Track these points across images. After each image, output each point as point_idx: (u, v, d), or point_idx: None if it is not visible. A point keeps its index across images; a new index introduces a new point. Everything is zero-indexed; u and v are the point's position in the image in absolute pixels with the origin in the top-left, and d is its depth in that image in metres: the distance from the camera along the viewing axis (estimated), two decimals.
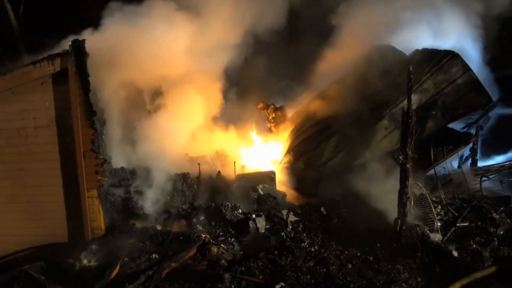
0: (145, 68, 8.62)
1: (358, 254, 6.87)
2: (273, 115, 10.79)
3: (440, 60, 8.39)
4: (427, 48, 8.71)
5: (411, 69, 6.65)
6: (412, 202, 7.14)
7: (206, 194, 8.56)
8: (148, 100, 9.19)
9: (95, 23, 8.54)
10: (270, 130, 10.88)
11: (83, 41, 7.29)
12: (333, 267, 6.55)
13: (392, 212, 7.15)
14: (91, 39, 7.52)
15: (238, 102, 11.04)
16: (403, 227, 6.88)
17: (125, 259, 6.77)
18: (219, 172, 8.99)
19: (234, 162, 9.20)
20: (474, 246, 6.92)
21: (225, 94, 10.59)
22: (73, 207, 7.56)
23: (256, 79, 11.25)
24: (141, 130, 8.93)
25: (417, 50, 8.83)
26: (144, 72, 8.63)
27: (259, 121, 10.90)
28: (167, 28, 8.90)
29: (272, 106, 10.86)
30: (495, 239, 7.00)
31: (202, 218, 7.99)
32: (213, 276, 6.42)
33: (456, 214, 7.68)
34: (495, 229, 7.23)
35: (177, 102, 9.42)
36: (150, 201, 8.34)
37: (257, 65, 11.30)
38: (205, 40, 9.30)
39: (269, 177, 9.04)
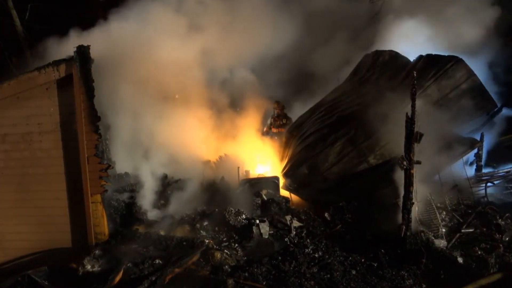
0: (152, 76, 8.72)
1: (362, 260, 6.84)
2: (284, 121, 10.86)
3: (444, 65, 8.40)
4: (431, 54, 8.70)
5: (415, 75, 6.64)
6: (416, 208, 7.11)
7: (210, 200, 8.55)
8: (154, 106, 9.22)
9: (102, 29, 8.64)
10: (273, 133, 10.91)
11: (88, 47, 7.34)
12: (337, 273, 6.51)
13: (396, 218, 7.12)
14: (98, 45, 7.57)
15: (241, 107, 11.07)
16: (408, 233, 6.84)
17: (128, 264, 6.76)
18: (222, 177, 8.99)
19: (238, 167, 9.20)
20: (479, 253, 6.87)
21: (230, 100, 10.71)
22: (77, 212, 7.57)
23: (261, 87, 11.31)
24: (146, 136, 8.99)
25: (421, 56, 8.83)
26: (151, 80, 8.73)
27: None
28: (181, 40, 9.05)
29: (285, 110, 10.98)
30: (501, 245, 6.95)
31: (205, 223, 7.99)
32: (216, 281, 6.40)
33: (461, 220, 7.63)
34: (500, 236, 7.18)
35: (182, 109, 9.49)
36: (153, 207, 8.35)
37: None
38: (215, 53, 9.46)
39: (273, 182, 9.05)
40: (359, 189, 8.19)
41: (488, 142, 9.53)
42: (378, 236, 7.26)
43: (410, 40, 9.67)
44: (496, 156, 9.76)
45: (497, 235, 7.18)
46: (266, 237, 7.65)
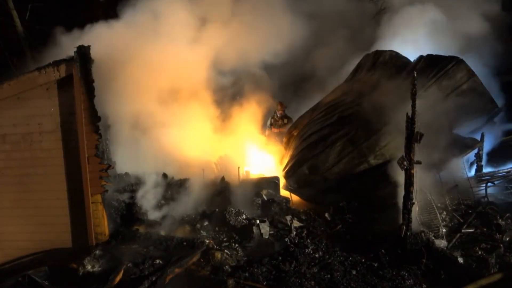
0: (153, 75, 8.72)
1: (363, 260, 6.83)
2: (285, 121, 10.92)
3: (444, 65, 8.39)
4: (432, 54, 8.70)
5: (415, 75, 6.63)
6: (417, 208, 7.11)
7: (210, 200, 8.55)
8: (154, 106, 9.22)
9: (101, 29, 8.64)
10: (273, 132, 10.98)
11: (88, 47, 7.34)
12: (337, 273, 6.51)
13: (396, 218, 7.12)
14: (98, 45, 7.57)
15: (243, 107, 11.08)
16: (408, 233, 6.84)
17: (128, 265, 6.76)
18: (223, 177, 8.99)
19: (238, 167, 9.20)
20: (479, 253, 6.87)
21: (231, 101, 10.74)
22: (77, 212, 7.57)
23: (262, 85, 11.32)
24: (146, 136, 8.98)
25: (421, 56, 8.82)
26: (152, 79, 8.72)
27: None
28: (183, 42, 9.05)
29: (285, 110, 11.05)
30: (501, 245, 6.95)
31: (206, 223, 7.99)
32: (216, 281, 6.41)
33: (461, 220, 7.63)
34: (500, 236, 7.17)
35: (183, 109, 9.48)
36: (154, 207, 8.35)
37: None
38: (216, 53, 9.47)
39: (273, 182, 9.05)
40: (359, 189, 8.19)
41: (489, 142, 9.52)
42: (379, 236, 7.26)
43: (411, 29, 9.72)
44: (497, 156, 9.76)
45: (498, 235, 7.18)
46: (267, 237, 7.64)
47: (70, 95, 7.41)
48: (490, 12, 10.10)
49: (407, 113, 6.73)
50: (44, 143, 7.58)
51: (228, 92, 10.65)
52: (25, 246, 7.65)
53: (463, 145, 8.49)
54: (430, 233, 7.10)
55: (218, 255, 6.98)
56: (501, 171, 9.31)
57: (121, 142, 8.66)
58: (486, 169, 9.48)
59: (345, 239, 7.52)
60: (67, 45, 8.17)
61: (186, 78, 9.38)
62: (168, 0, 9.28)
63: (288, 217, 8.03)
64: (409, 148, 6.70)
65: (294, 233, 7.69)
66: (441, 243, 7.01)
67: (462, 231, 7.35)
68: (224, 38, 9.69)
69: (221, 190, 8.69)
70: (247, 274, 6.56)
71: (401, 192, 6.87)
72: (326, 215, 8.16)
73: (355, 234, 7.61)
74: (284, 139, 10.11)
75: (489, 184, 8.55)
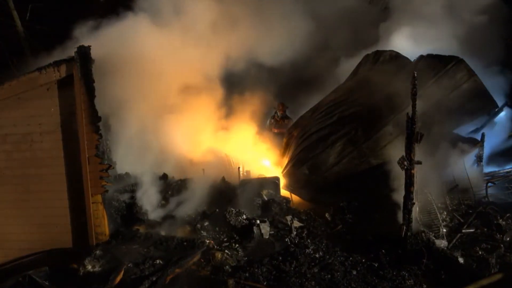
0: (152, 75, 8.71)
1: (363, 260, 6.83)
2: (286, 122, 10.96)
3: (445, 65, 8.38)
4: (432, 54, 8.70)
5: (415, 75, 6.63)
6: (417, 208, 7.10)
7: (210, 200, 8.55)
8: (154, 106, 9.22)
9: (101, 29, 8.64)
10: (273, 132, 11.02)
11: (89, 47, 7.34)
12: (338, 273, 6.51)
13: (397, 218, 7.12)
14: (97, 45, 7.57)
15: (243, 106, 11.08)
16: (408, 233, 6.83)
17: (129, 265, 6.76)
18: (223, 177, 8.99)
19: (239, 167, 9.21)
20: (480, 253, 6.86)
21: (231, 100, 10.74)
22: (78, 212, 7.57)
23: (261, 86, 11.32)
24: (146, 136, 8.98)
25: (421, 56, 8.82)
26: (151, 79, 8.72)
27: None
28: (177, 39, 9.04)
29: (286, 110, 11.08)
30: (501, 245, 6.94)
31: (206, 223, 7.98)
32: (217, 281, 6.41)
33: (462, 220, 7.62)
34: (501, 236, 7.17)
35: (183, 108, 9.49)
36: (154, 207, 8.35)
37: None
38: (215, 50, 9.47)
39: (273, 182, 9.05)
40: (359, 189, 8.19)
41: (489, 142, 9.52)
42: (379, 236, 7.25)
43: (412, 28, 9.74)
44: (497, 156, 9.75)
45: (498, 235, 7.17)
46: (267, 237, 7.64)
47: (70, 95, 7.41)
48: (491, 11, 10.10)
49: (407, 113, 6.72)
50: (45, 143, 7.58)
51: (229, 92, 10.63)
52: (25, 246, 7.65)
53: (463, 145, 8.49)
54: (431, 233, 7.09)
55: (219, 255, 6.98)
56: (501, 171, 9.31)
57: (122, 142, 8.67)
58: (487, 169, 9.47)
59: (345, 239, 7.51)
60: (68, 45, 8.16)
61: (186, 78, 9.38)
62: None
63: (289, 217, 8.03)
64: (409, 148, 6.70)
65: (295, 233, 7.69)
66: (442, 243, 7.01)
67: (463, 231, 7.34)
68: (226, 38, 9.69)
69: (222, 190, 8.69)
70: (247, 274, 6.55)
71: (401, 192, 6.87)
72: (327, 215, 8.17)
73: (355, 234, 7.61)
74: (284, 139, 10.11)
75: (489, 184, 8.55)
